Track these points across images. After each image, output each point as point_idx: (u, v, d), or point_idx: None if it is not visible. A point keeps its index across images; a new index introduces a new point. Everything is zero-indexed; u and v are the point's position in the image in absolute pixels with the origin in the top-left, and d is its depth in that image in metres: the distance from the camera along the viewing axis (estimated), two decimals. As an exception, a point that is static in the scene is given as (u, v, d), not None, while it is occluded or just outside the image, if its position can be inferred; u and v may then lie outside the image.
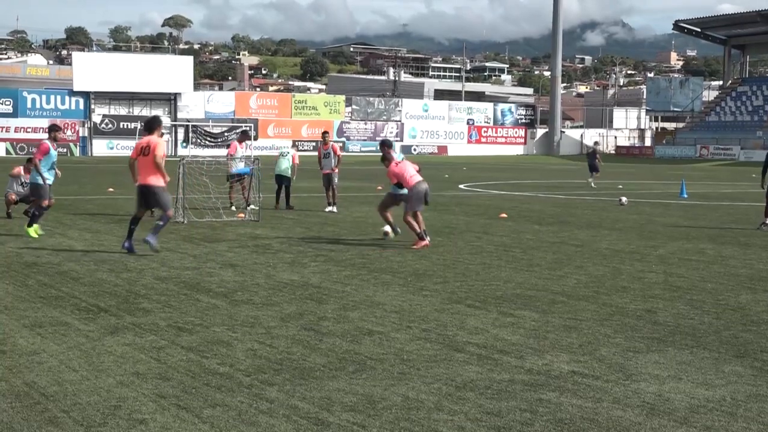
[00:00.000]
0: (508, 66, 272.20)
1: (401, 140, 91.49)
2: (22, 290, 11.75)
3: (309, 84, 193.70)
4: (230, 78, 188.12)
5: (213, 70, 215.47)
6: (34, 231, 17.54)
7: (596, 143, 48.19)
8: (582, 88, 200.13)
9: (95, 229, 19.13)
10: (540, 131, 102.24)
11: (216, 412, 6.69)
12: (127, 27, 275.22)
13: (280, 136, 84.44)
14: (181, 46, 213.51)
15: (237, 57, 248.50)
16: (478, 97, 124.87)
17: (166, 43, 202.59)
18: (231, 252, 15.96)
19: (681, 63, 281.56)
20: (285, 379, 7.62)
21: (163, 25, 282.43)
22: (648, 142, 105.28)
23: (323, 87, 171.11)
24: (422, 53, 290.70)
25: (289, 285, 12.45)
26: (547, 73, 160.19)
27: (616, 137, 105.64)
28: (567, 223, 22.03)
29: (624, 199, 28.96)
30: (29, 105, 76.12)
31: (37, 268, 13.58)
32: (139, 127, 73.45)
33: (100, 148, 76.84)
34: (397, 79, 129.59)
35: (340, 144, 72.02)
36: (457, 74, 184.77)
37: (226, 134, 79.04)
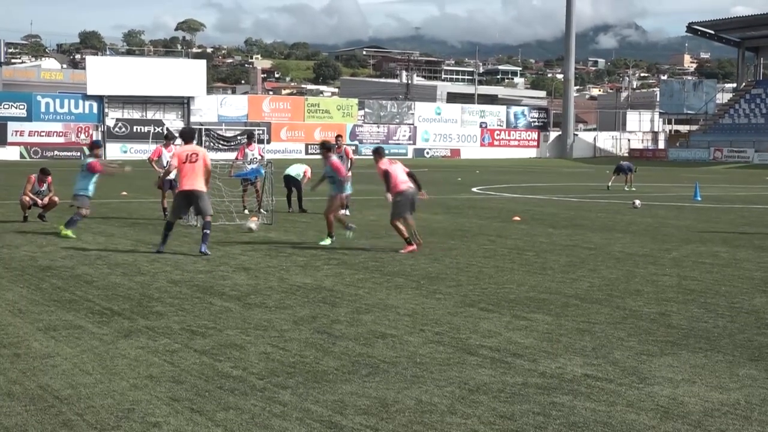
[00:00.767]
0: (521, 69, 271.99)
1: (414, 143, 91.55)
2: (37, 294, 11.79)
3: (322, 87, 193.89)
4: (243, 82, 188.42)
5: (226, 74, 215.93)
6: (69, 232, 18.36)
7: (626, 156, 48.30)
8: (595, 91, 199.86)
9: (109, 233, 19.18)
10: (553, 134, 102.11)
11: (229, 415, 6.69)
12: (140, 31, 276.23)
13: (293, 139, 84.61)
14: (194, 49, 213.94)
15: (250, 60, 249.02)
16: (491, 100, 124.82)
17: (179, 46, 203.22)
18: (244, 255, 15.97)
19: (694, 65, 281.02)
20: (298, 382, 7.62)
21: (176, 29, 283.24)
22: (661, 145, 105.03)
23: (336, 90, 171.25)
24: (435, 56, 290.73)
25: (302, 288, 12.46)
26: (560, 76, 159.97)
27: (629, 140, 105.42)
28: (580, 226, 21.99)
29: (637, 202, 28.90)
30: (43, 109, 76.41)
31: (51, 272, 13.63)
32: (153, 131, 73.80)
33: (114, 151, 77.04)
34: (409, 82, 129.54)
35: (353, 147, 72.07)
36: (470, 77, 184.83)
37: (239, 137, 79.20)
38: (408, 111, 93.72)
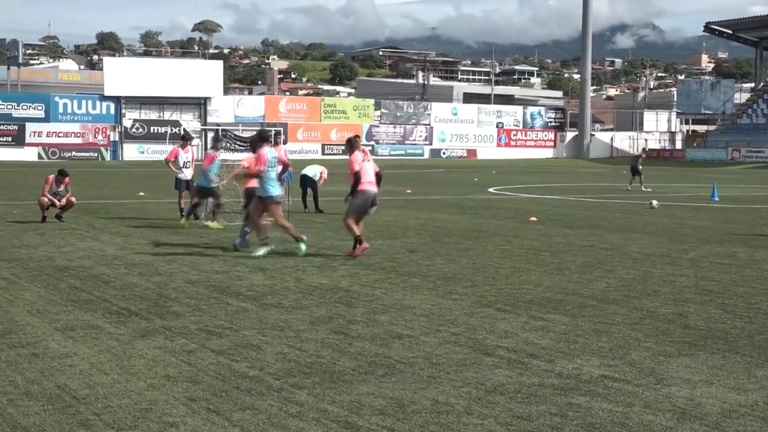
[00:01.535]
0: (537, 69, 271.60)
1: (430, 144, 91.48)
2: (54, 294, 11.84)
3: (338, 88, 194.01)
4: (260, 82, 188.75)
5: (242, 75, 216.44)
6: (215, 225, 19.90)
7: (643, 149, 47.99)
8: (612, 91, 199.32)
9: (126, 233, 19.25)
10: (570, 134, 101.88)
11: (246, 415, 6.71)
12: (157, 32, 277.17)
13: (309, 140, 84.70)
14: (211, 50, 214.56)
15: (266, 61, 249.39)
16: (508, 100, 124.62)
17: (196, 47, 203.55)
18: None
19: (712, 65, 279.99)
20: (314, 382, 7.63)
21: (193, 30, 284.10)
22: (679, 145, 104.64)
23: (352, 91, 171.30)
24: (451, 57, 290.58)
25: (319, 288, 12.47)
26: (576, 76, 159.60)
27: (646, 140, 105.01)
28: (597, 227, 21.94)
29: (655, 202, 28.81)
30: (61, 110, 76.71)
31: (68, 272, 13.68)
32: (170, 131, 73.89)
33: (131, 152, 77.32)
34: (426, 82, 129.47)
35: (369, 148, 72.06)
36: (486, 77, 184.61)
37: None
38: (424, 111, 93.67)
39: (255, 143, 16.53)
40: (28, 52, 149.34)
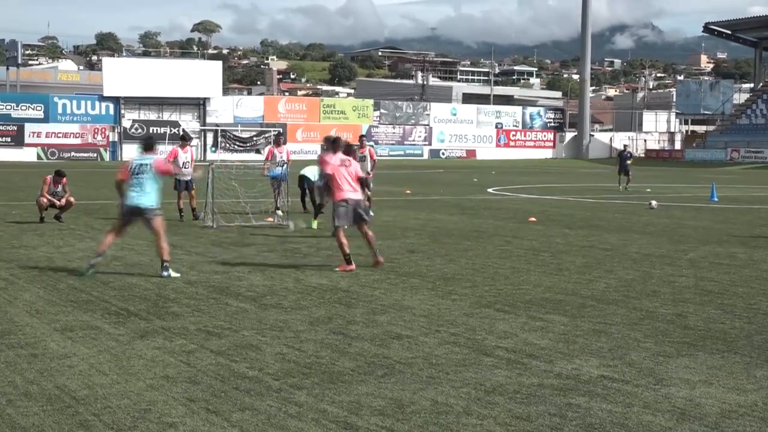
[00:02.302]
0: (536, 69, 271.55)
1: (430, 144, 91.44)
2: (53, 294, 11.84)
3: (337, 88, 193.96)
4: (259, 83, 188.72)
5: (242, 75, 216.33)
6: (316, 224, 19.85)
7: (626, 146, 47.83)
8: (611, 92, 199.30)
9: (125, 233, 19.20)
10: (569, 135, 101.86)
11: (245, 416, 6.71)
12: (156, 32, 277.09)
13: (308, 140, 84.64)
14: (210, 51, 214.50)
15: (266, 62, 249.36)
16: (507, 100, 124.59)
17: (195, 48, 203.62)
18: (260, 256, 16.00)
19: (711, 66, 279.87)
20: (314, 383, 7.63)
21: (192, 30, 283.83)
22: (678, 146, 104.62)
23: (352, 91, 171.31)
24: (450, 57, 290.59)
25: (318, 289, 12.47)
26: (576, 77, 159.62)
27: (645, 140, 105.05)
28: (596, 227, 21.94)
29: (654, 202, 28.80)
30: (60, 110, 76.68)
31: (67, 272, 13.67)
32: (170, 132, 73.88)
33: (130, 153, 76.97)
34: (425, 83, 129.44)
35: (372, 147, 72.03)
36: (486, 78, 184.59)
37: (254, 139, 79.34)
38: (423, 112, 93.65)
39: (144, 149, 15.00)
40: (27, 52, 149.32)
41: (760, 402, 7.21)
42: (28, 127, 74.48)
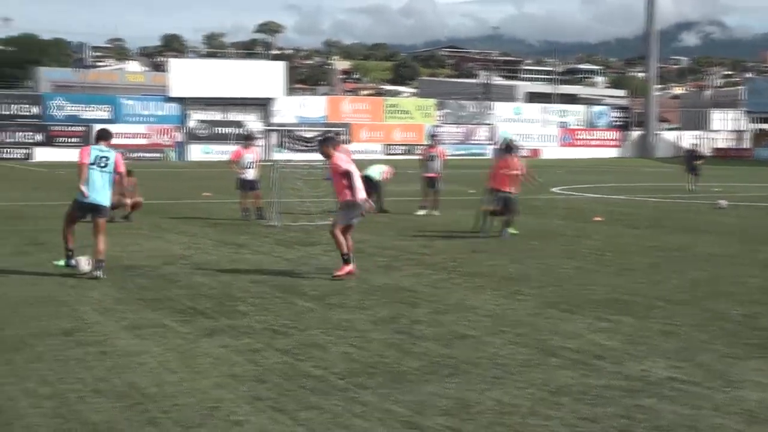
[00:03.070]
0: (601, 68, 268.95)
1: (493, 143, 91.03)
2: (122, 293, 12.00)
3: (400, 88, 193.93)
4: (323, 83, 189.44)
5: (305, 75, 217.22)
6: (513, 229, 19.38)
7: (695, 145, 47.12)
8: (677, 90, 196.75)
9: (192, 233, 19.43)
10: (634, 133, 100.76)
11: (311, 414, 6.74)
12: (221, 33, 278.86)
13: (372, 140, 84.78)
14: (274, 51, 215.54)
15: (329, 62, 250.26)
16: (571, 99, 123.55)
17: (259, 48, 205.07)
18: (325, 255, 16.04)
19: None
20: (379, 382, 7.64)
21: (256, 31, 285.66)
22: (747, 144, 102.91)
23: (414, 91, 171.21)
24: (513, 56, 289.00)
25: (382, 288, 12.48)
26: (641, 75, 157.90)
27: (713, 139, 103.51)
28: (663, 227, 21.67)
29: (723, 202, 28.34)
30: (127, 111, 77.70)
31: (136, 271, 13.85)
32: (234, 132, 74.45)
33: (196, 153, 78.02)
34: (488, 82, 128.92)
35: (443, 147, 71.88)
36: (549, 77, 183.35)
37: (318, 138, 79.68)
38: (487, 111, 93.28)
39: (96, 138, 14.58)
40: (94, 54, 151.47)
41: (833, 405, 7.06)
42: (96, 128, 75.52)
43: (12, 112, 73.60)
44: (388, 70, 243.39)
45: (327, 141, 14.21)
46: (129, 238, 18.45)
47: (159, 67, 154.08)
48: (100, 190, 13.74)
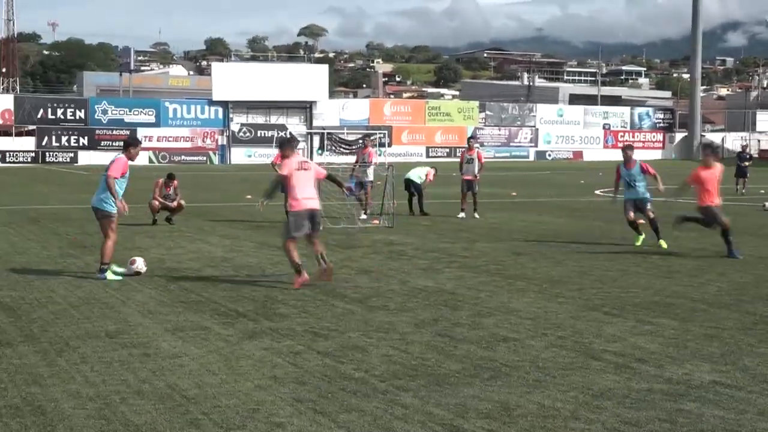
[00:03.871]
0: (645, 69, 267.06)
1: (536, 146, 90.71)
2: (165, 295, 12.09)
3: (442, 90, 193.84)
4: (364, 86, 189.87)
5: (348, 78, 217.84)
6: (664, 243, 18.28)
7: (744, 146, 46.62)
8: (723, 91, 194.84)
9: (234, 235, 19.54)
10: (679, 135, 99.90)
11: (351, 417, 6.74)
12: (264, 37, 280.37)
13: (413, 142, 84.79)
14: (317, 54, 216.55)
15: (371, 64, 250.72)
16: (615, 101, 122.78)
17: (301, 52, 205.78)
18: (366, 258, 16.07)
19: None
20: (420, 385, 7.63)
21: (299, 35, 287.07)
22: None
23: (457, 93, 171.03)
24: (557, 57, 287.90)
25: (424, 291, 12.47)
26: (686, 76, 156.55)
27: (759, 141, 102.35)
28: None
29: (768, 204, 28.01)
30: (171, 115, 78.28)
31: (178, 274, 13.95)
32: (276, 135, 74.88)
33: (239, 156, 78.48)
34: (531, 84, 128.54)
35: (482, 151, 71.68)
36: (593, 78, 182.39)
37: (360, 141, 79.80)
38: (529, 113, 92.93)
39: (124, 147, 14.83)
40: (139, 58, 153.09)
41: None
42: (141, 132, 76.15)
43: (57, 116, 74.45)
44: (431, 72, 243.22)
45: (281, 144, 14.15)
46: (172, 240, 18.59)
47: (204, 71, 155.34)
48: (95, 193, 14.24)
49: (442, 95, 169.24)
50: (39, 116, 73.65)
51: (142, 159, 74.58)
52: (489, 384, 7.67)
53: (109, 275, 13.43)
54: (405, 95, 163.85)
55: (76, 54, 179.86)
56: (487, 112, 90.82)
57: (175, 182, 22.09)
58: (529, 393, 7.39)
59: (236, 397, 7.26)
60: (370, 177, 24.18)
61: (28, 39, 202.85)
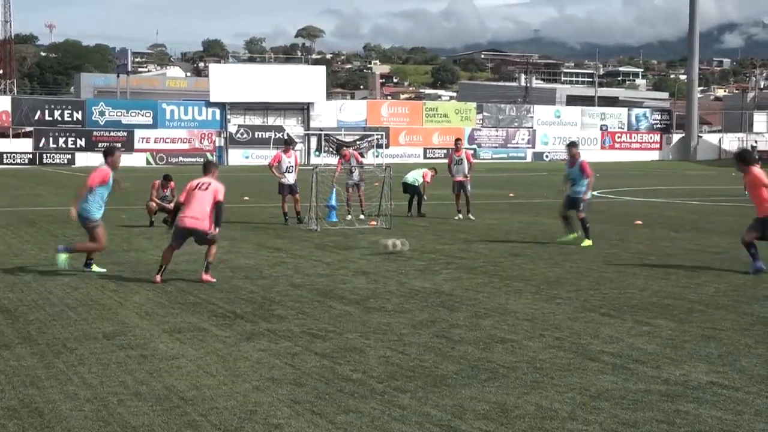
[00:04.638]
0: (642, 70, 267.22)
1: (533, 147, 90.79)
2: (162, 296, 12.09)
3: (440, 91, 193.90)
4: (362, 87, 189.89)
5: (345, 80, 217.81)
6: (588, 242, 18.35)
7: (753, 147, 46.66)
8: (720, 92, 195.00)
9: (231, 237, 19.52)
10: (676, 136, 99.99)
11: (349, 418, 6.75)
12: (261, 38, 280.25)
13: (411, 144, 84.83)
14: (314, 56, 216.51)
15: (368, 66, 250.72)
16: (612, 102, 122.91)
17: (299, 53, 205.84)
18: (363, 259, 16.08)
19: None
20: (417, 386, 7.64)
21: (296, 36, 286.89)
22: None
23: (454, 94, 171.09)
24: (554, 59, 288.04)
25: (421, 292, 12.48)
26: (683, 77, 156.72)
27: (756, 141, 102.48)
28: (705, 230, 21.49)
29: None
30: (168, 116, 78.26)
31: (175, 275, 13.94)
32: (274, 136, 74.89)
33: (236, 157, 78.48)
34: (528, 85, 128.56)
35: (471, 151, 71.83)
36: (590, 79, 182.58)
37: (358, 143, 79.80)
38: (527, 114, 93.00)
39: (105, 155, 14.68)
40: (136, 60, 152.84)
41: None
42: (138, 133, 76.24)
43: (55, 118, 74.42)
44: (428, 73, 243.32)
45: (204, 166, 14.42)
46: (169, 242, 18.55)
47: (201, 73, 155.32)
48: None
49: (440, 96, 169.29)
50: (36, 118, 73.62)
51: (140, 160, 74.68)
52: (486, 385, 7.67)
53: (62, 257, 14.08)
54: (402, 96, 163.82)
55: (73, 55, 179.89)
56: (485, 114, 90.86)
57: (172, 184, 22.10)
58: (527, 394, 7.40)
59: (234, 398, 7.26)
60: (355, 179, 24.15)
61: (25, 40, 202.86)
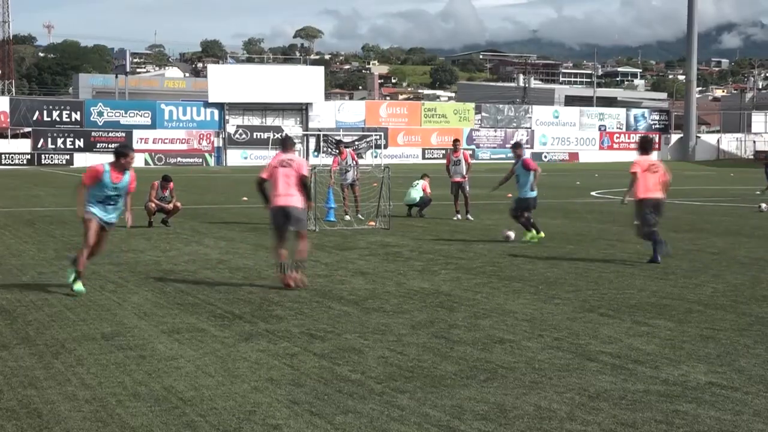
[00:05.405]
0: (641, 71, 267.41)
1: (532, 147, 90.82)
2: (160, 297, 12.08)
3: (438, 92, 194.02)
4: (360, 87, 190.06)
5: (343, 80, 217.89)
6: (530, 236, 18.76)
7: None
8: (718, 92, 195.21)
9: (230, 237, 19.53)
10: (674, 136, 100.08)
11: (348, 418, 6.74)
12: (260, 39, 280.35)
13: (410, 144, 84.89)
14: (313, 56, 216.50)
15: (367, 66, 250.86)
16: (610, 102, 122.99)
17: (297, 54, 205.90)
18: (362, 260, 16.08)
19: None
20: (416, 386, 7.64)
21: (294, 36, 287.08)
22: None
23: (453, 95, 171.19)
24: (552, 59, 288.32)
25: (420, 293, 12.48)
26: (681, 77, 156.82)
27: (754, 142, 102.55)
28: (703, 231, 21.49)
29: (764, 205, 28.06)
30: (166, 117, 78.31)
31: (174, 276, 13.94)
32: (272, 137, 74.89)
33: (234, 158, 78.54)
34: (527, 85, 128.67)
35: (470, 152, 71.82)
36: (588, 80, 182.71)
37: (356, 143, 79.86)
38: (525, 115, 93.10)
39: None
40: (135, 60, 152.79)
41: None
42: (136, 134, 76.30)
43: (53, 118, 74.43)
44: (426, 74, 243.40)
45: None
46: (168, 242, 18.58)
47: (200, 73, 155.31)
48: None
49: (438, 97, 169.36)
50: (35, 118, 73.67)
51: (138, 161, 74.61)
52: (485, 385, 7.67)
53: (76, 285, 12.39)
54: (401, 97, 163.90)
55: (71, 56, 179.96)
56: (483, 114, 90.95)
57: (171, 184, 22.08)
58: (526, 394, 7.40)
59: (233, 399, 7.26)
60: (350, 179, 24.19)
61: (23, 41, 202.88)
